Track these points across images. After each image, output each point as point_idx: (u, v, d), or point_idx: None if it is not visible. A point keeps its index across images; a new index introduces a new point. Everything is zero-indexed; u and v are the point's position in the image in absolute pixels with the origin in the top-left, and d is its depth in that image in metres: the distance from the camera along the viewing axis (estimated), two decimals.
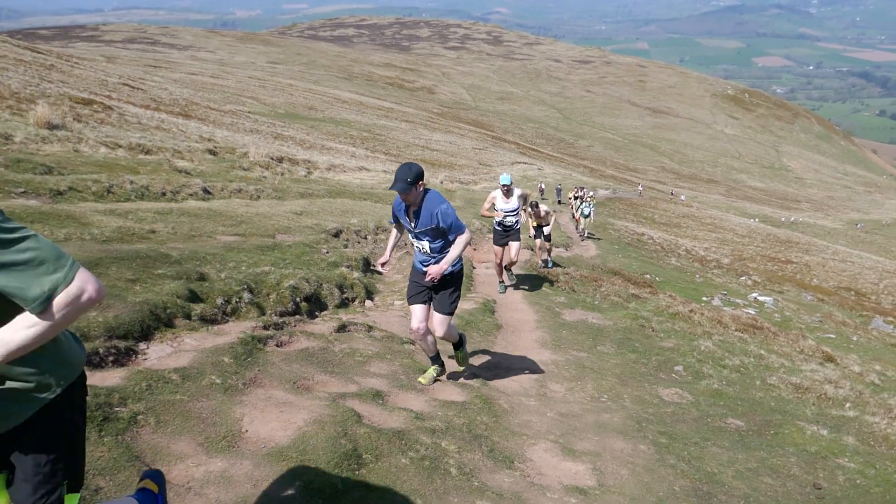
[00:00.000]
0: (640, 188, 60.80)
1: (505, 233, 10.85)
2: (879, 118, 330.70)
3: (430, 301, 5.80)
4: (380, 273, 10.92)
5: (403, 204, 5.55)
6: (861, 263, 42.11)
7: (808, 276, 32.63)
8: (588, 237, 25.01)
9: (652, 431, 5.77)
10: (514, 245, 10.89)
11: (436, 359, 6.06)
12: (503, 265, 11.31)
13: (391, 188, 5.20)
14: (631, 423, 5.90)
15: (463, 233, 5.48)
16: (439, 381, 6.08)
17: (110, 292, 5.65)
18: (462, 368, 6.43)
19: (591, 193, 39.13)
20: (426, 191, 5.44)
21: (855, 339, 16.47)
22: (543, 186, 46.84)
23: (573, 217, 26.89)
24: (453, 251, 5.51)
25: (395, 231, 6.03)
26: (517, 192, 10.70)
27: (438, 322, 5.77)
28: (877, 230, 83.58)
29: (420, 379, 5.90)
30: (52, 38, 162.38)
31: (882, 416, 7.34)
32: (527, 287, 11.77)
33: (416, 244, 5.67)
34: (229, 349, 5.29)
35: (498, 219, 10.75)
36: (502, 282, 11.37)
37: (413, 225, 5.53)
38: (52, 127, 15.20)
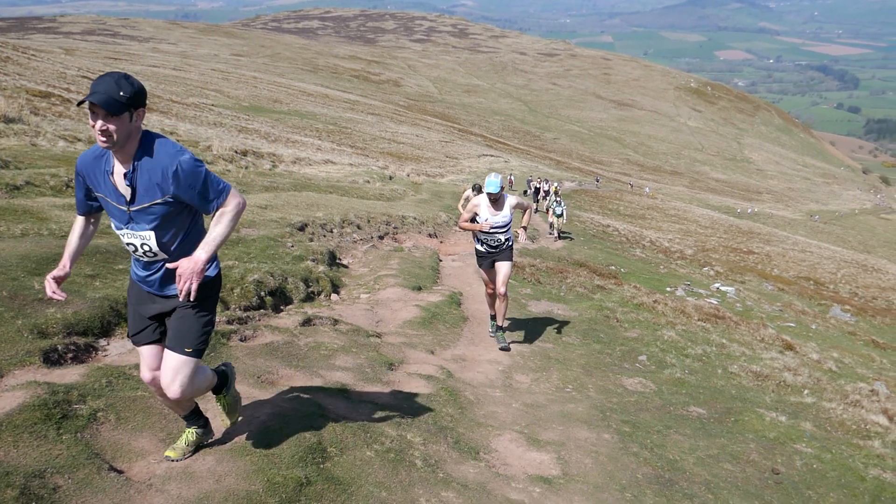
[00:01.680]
0: (597, 180, 61.10)
1: (489, 253, 7.76)
2: (837, 111, 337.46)
3: (163, 337, 3.45)
4: (345, 267, 10.88)
5: (102, 159, 3.12)
6: (820, 253, 42.98)
7: (769, 266, 33.21)
8: (562, 237, 23.80)
9: (616, 420, 5.83)
10: (503, 267, 7.67)
11: (192, 417, 3.74)
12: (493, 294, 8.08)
13: (85, 99, 2.90)
14: (595, 412, 5.96)
15: (231, 197, 3.19)
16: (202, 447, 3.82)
17: (69, 288, 5.55)
18: (230, 421, 4.05)
19: (555, 185, 39.20)
20: (148, 134, 3.08)
21: (814, 327, 16.82)
22: (513, 178, 46.97)
23: (546, 212, 25.25)
24: (217, 230, 3.16)
25: (79, 222, 3.38)
26: (510, 199, 7.68)
27: (171, 368, 3.30)
28: (835, 221, 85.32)
29: (168, 453, 3.64)
30: (8, 30, 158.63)
31: (838, 402, 7.51)
32: None
33: (128, 239, 3.18)
34: None
35: (482, 232, 7.66)
36: (496, 324, 8.06)
37: (127, 197, 3.07)
38: (7, 120, 14.88)
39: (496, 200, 7.53)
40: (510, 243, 7.78)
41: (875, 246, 66.40)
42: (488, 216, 7.56)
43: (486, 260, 7.83)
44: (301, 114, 63.71)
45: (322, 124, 58.93)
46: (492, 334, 8.21)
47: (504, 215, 7.59)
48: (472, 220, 7.67)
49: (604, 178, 70.25)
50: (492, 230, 7.56)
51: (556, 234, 23.43)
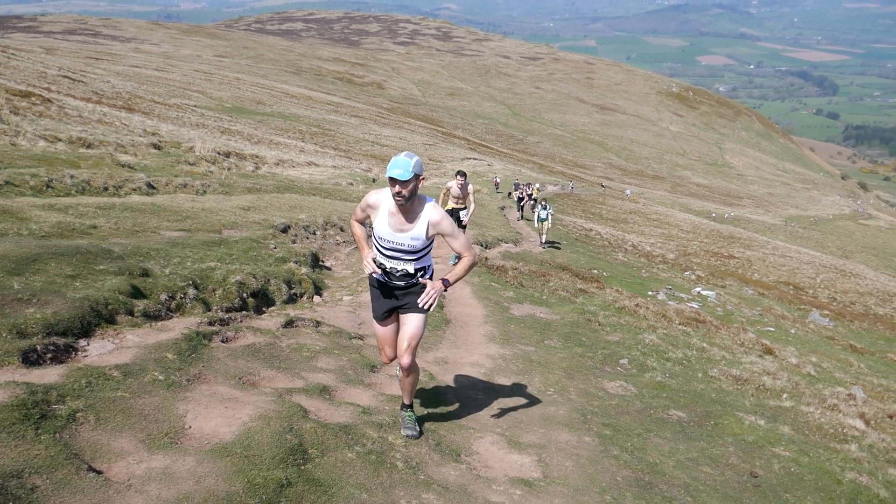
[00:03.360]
0: (571, 184, 60.96)
1: (388, 288, 4.70)
2: (816, 117, 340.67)
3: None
4: (327, 269, 10.86)
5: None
6: (799, 258, 43.38)
7: (750, 270, 33.49)
8: (548, 245, 21.83)
9: (597, 423, 5.87)
10: (410, 322, 4.64)
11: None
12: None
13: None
14: (576, 415, 5.99)
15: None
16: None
17: (48, 289, 5.51)
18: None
19: (536, 186, 39.12)
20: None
21: (793, 331, 16.98)
22: (499, 180, 46.91)
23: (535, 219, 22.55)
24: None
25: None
26: (433, 213, 4.49)
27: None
28: (814, 226, 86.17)
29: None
30: None
31: (816, 405, 7.60)
32: (476, 282, 11.83)
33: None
34: (173, 345, 5.22)
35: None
36: (403, 402, 5.07)
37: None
38: None
39: (404, 202, 4.29)
40: (422, 277, 4.60)
41: (853, 251, 67.13)
42: (384, 233, 4.47)
43: (382, 304, 4.74)
44: (284, 115, 63.51)
45: (305, 126, 58.76)
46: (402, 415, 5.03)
47: (415, 235, 4.43)
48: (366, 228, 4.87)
49: (577, 182, 70.25)
50: (388, 253, 4.53)
51: (541, 241, 21.62)
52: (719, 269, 30.41)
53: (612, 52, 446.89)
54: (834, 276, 37.76)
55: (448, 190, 12.78)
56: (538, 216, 21.89)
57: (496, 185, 45.73)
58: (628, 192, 75.44)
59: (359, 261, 11.63)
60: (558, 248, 22.36)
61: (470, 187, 12.66)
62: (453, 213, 12.54)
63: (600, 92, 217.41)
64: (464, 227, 12.87)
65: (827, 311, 22.90)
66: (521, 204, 32.69)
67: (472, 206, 12.66)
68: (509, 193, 42.54)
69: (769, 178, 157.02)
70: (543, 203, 22.32)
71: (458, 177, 12.57)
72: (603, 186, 73.81)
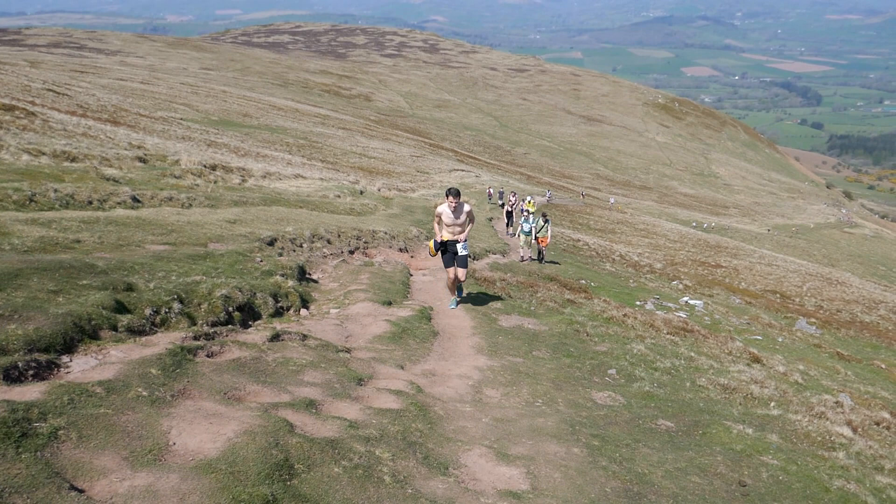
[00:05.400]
0: (548, 194, 60.74)
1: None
2: (800, 126, 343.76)
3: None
4: (314, 282, 10.81)
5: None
6: (786, 267, 43.64)
7: (737, 279, 33.64)
8: (545, 261, 20.74)
9: (585, 434, 5.85)
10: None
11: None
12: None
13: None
14: (565, 426, 5.97)
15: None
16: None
17: (31, 304, 5.46)
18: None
19: (529, 199, 38.99)
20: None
21: (780, 340, 17.04)
22: (491, 191, 46.93)
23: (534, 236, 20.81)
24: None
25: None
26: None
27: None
28: (799, 234, 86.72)
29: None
30: None
31: (804, 413, 7.61)
32: (463, 294, 11.81)
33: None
34: (157, 360, 5.17)
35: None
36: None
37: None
38: None
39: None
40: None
41: (839, 259, 67.60)
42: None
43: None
44: (271, 128, 63.45)
45: (292, 139, 58.71)
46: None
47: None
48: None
49: (557, 193, 70.13)
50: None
51: (542, 257, 20.62)
52: (706, 278, 30.54)
53: (598, 63, 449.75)
54: (820, 284, 38.00)
55: (439, 217, 10.18)
56: (521, 228, 20.79)
57: (489, 195, 45.80)
58: (612, 200, 75.61)
59: (345, 273, 11.67)
60: (558, 264, 21.48)
61: (466, 208, 10.08)
62: (447, 249, 10.21)
63: (587, 103, 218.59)
64: (461, 293, 10.99)
65: (814, 319, 23.02)
66: (510, 219, 29.48)
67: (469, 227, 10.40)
68: (502, 205, 42.12)
69: (755, 187, 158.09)
70: (543, 216, 20.96)
71: (450, 197, 9.75)
72: (583, 196, 73.85)
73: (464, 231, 10.15)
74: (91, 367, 4.91)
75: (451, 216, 9.98)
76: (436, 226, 10.25)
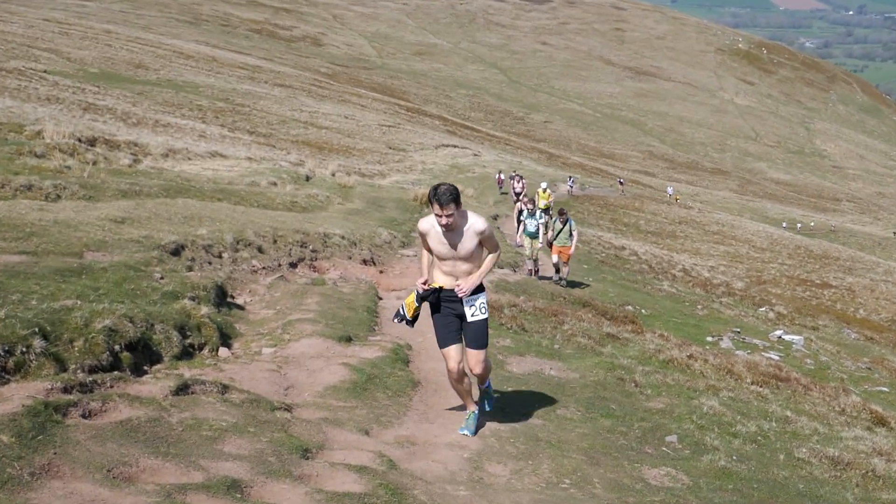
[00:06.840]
0: (570, 181, 60.71)
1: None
2: None
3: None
4: (240, 308, 10.80)
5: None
6: None
7: (852, 305, 33.76)
8: (564, 283, 20.38)
9: None
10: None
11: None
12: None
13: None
14: None
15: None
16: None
17: None
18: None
19: (544, 186, 38.79)
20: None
21: None
22: (502, 176, 47.05)
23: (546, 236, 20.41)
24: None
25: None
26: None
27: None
28: None
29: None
30: None
31: None
32: (492, 393, 11.77)
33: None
34: (10, 423, 5.15)
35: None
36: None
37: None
38: None
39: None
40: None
41: None
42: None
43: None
44: (176, 84, 63.48)
45: (207, 100, 58.76)
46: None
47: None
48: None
49: (580, 178, 69.94)
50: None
51: (562, 279, 20.38)
52: (809, 303, 30.66)
53: None
54: None
55: (424, 241, 7.37)
56: (525, 227, 20.61)
57: (499, 182, 46.00)
58: (670, 190, 75.80)
59: (285, 296, 11.65)
60: (588, 286, 21.18)
61: (477, 225, 7.09)
62: (440, 305, 7.48)
63: (634, 49, 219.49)
64: (485, 400, 7.97)
65: None
66: (520, 217, 26.83)
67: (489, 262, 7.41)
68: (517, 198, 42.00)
69: (878, 171, 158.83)
70: (562, 214, 20.71)
71: (438, 205, 6.77)
72: (621, 184, 72.74)
73: (474, 271, 7.32)
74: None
75: (445, 243, 7.14)
76: (422, 259, 7.68)
